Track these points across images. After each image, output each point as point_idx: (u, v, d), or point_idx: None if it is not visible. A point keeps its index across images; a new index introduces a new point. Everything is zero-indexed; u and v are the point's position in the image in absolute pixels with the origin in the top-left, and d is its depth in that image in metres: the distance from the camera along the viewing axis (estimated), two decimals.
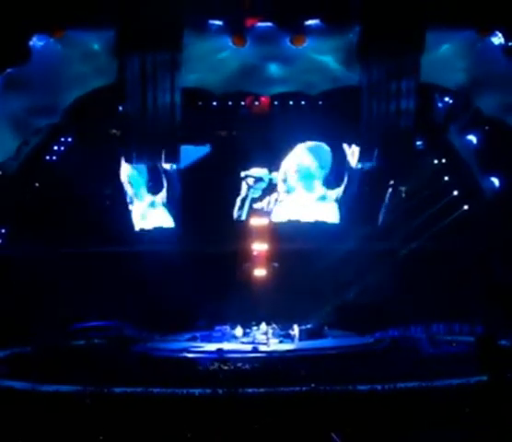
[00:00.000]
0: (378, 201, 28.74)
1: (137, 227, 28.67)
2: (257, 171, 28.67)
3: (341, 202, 28.81)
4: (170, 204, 28.53)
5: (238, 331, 25.98)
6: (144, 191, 28.60)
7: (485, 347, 17.17)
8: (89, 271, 27.04)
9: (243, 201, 28.93)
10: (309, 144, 28.61)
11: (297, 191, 28.91)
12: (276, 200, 28.97)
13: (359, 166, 27.27)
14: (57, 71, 24.16)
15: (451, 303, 25.32)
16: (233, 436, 14.73)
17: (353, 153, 27.94)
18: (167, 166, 27.47)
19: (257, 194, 28.91)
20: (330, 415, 15.17)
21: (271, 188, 28.86)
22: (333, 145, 28.58)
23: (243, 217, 29.10)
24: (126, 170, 28.01)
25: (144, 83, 24.34)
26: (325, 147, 28.55)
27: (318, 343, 25.00)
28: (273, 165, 28.69)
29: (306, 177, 28.81)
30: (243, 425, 14.92)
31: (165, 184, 28.20)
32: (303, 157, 28.75)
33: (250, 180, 28.68)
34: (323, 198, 28.90)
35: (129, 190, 28.33)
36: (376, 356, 22.58)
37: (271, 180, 28.76)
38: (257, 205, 29.00)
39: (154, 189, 28.49)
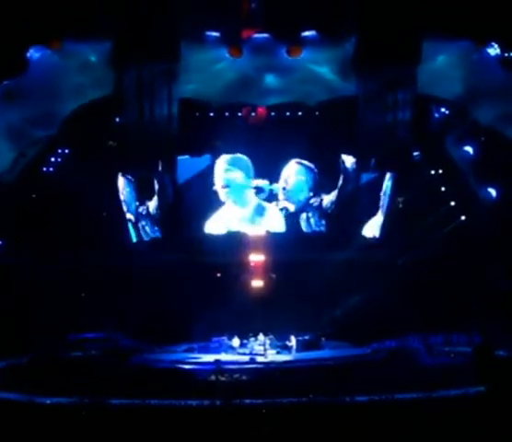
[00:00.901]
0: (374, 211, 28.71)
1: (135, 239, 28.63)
2: (258, 182, 28.68)
3: (335, 211, 28.71)
4: (163, 214, 28.43)
5: (235, 341, 25.96)
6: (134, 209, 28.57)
7: (483, 358, 17.17)
8: (86, 282, 27.00)
9: None
10: (228, 156, 28.55)
11: (228, 205, 28.84)
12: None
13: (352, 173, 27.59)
14: (54, 82, 24.19)
15: (449, 313, 25.30)
16: None
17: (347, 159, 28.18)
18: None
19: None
20: (327, 426, 15.14)
21: (270, 198, 28.86)
22: (330, 155, 28.53)
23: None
24: (122, 185, 28.02)
25: (141, 94, 24.37)
26: (244, 158, 28.52)
27: (315, 353, 24.97)
28: (273, 175, 28.67)
29: (235, 189, 28.76)
30: (241, 437, 14.89)
31: (156, 194, 28.17)
32: (228, 170, 28.70)
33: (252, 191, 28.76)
34: (261, 208, 28.88)
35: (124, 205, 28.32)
36: (373, 367, 22.54)
37: (271, 190, 28.76)
38: None
39: (142, 198, 28.45)
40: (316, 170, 28.66)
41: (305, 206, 28.93)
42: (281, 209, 29.00)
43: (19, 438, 14.90)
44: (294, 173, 28.85)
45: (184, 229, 28.34)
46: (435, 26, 23.31)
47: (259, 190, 28.75)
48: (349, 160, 27.86)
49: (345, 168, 28.11)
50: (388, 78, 24.57)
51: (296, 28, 24.04)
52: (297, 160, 28.77)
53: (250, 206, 28.93)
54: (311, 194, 28.82)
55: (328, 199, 28.66)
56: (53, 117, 24.85)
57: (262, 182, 28.73)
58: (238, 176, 28.70)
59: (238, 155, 28.55)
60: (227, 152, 28.51)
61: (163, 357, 24.46)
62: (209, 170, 28.57)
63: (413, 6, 23.37)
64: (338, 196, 28.43)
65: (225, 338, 26.17)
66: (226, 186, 28.69)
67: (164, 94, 24.44)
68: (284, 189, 28.80)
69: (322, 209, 28.80)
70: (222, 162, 28.61)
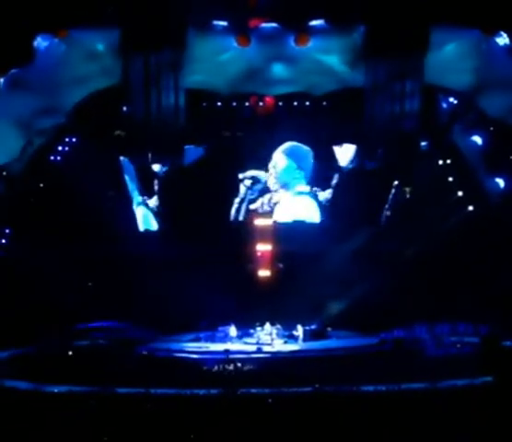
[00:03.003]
0: (379, 201, 28.64)
1: (142, 229, 28.67)
2: (254, 173, 28.61)
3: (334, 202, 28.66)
4: (169, 204, 28.45)
5: (233, 331, 25.92)
6: (136, 194, 28.57)
7: (490, 348, 17.18)
8: (93, 271, 27.06)
9: (241, 202, 28.88)
10: (285, 145, 28.46)
11: (278, 194, 28.82)
12: (270, 200, 28.88)
13: (350, 166, 27.57)
14: (61, 71, 24.21)
15: (456, 304, 25.27)
16: (237, 436, 14.73)
17: (343, 152, 28.12)
18: (156, 168, 27.62)
19: (254, 196, 28.88)
20: (333, 416, 15.16)
21: (266, 189, 28.80)
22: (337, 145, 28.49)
23: (240, 218, 28.99)
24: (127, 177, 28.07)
25: (147, 83, 24.38)
26: (304, 148, 28.42)
27: (322, 343, 24.97)
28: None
29: (284, 179, 28.70)
30: (247, 426, 14.91)
31: (156, 188, 28.20)
32: (279, 159, 28.62)
33: (248, 182, 28.64)
34: (300, 192, 28.80)
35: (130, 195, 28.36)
36: (380, 357, 22.53)
37: (267, 181, 28.72)
38: (253, 206, 28.95)
39: (144, 192, 28.48)
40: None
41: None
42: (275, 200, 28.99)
43: (27, 426, 14.96)
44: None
45: (190, 219, 28.33)
46: (443, 15, 23.26)
47: (255, 180, 28.68)
48: (343, 152, 27.87)
49: (338, 161, 28.17)
50: (395, 68, 24.52)
51: (303, 17, 24.02)
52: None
53: (291, 194, 28.92)
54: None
55: (324, 193, 28.65)
56: (61, 106, 24.83)
57: (259, 173, 28.67)
58: (289, 166, 28.60)
59: (296, 144, 28.44)
60: (236, 141, 28.46)
61: (170, 346, 24.46)
62: (216, 160, 28.52)
63: None
64: (336, 188, 28.38)
65: (231, 327, 26.17)
66: (275, 175, 28.65)
67: (171, 83, 24.45)
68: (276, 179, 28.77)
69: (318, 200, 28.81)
70: (278, 150, 28.57)
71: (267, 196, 28.92)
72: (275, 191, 28.91)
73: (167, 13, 23.22)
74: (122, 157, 27.80)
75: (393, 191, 28.45)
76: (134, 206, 28.57)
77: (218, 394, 16.58)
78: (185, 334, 26.28)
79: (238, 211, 28.94)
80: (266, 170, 28.81)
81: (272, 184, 28.80)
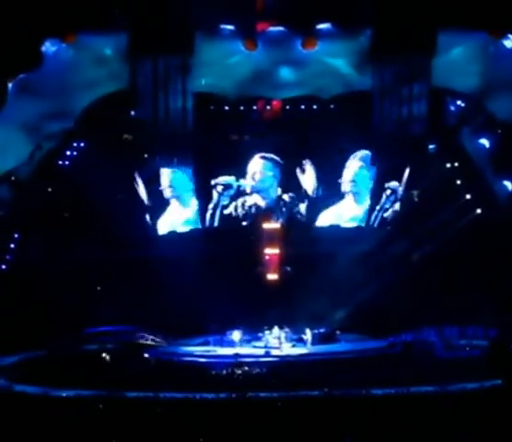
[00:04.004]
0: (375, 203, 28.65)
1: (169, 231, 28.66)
2: (226, 179, 28.51)
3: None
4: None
5: (236, 335, 25.86)
6: (189, 196, 28.49)
7: (499, 351, 17.14)
8: (100, 275, 27.08)
9: (214, 208, 28.80)
10: (362, 153, 28.19)
11: (347, 200, 28.59)
12: (243, 204, 28.83)
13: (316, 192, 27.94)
14: (69, 76, 24.29)
15: (465, 307, 25.21)
16: (246, 440, 14.74)
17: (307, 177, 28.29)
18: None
19: (226, 201, 28.80)
20: (343, 420, 15.15)
21: (237, 194, 28.72)
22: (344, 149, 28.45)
23: (215, 223, 28.93)
24: (167, 173, 28.00)
25: (155, 87, 24.45)
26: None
27: (331, 347, 24.95)
28: (286, 168, 28.56)
29: (359, 186, 28.51)
30: (256, 430, 14.91)
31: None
32: (360, 166, 28.35)
33: (220, 188, 28.54)
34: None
35: (167, 193, 28.21)
36: (389, 360, 22.51)
37: (239, 186, 28.62)
38: (227, 211, 28.92)
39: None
40: (282, 163, 28.53)
41: (277, 201, 28.83)
42: (250, 206, 28.83)
43: (36, 430, 15.00)
44: (260, 169, 28.69)
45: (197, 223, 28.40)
46: (450, 18, 23.25)
47: (226, 186, 28.58)
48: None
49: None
50: (403, 71, 24.53)
51: (310, 20, 24.04)
52: (262, 155, 28.59)
53: (364, 205, 28.83)
54: (281, 189, 28.72)
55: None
56: (69, 110, 24.92)
57: (229, 178, 28.58)
58: (366, 174, 28.47)
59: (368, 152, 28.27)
60: (243, 145, 28.46)
61: (179, 351, 24.50)
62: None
63: None
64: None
65: (240, 331, 26.16)
66: (353, 181, 28.51)
67: (178, 87, 24.53)
68: (252, 185, 28.61)
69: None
70: (356, 157, 28.33)
71: (240, 200, 28.82)
72: (251, 193, 28.76)
73: (174, 17, 23.29)
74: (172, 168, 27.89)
75: (388, 192, 28.36)
76: (192, 213, 28.55)
77: (227, 398, 16.59)
78: (194, 338, 26.32)
79: (212, 216, 28.87)
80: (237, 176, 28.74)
81: (345, 189, 28.56)
